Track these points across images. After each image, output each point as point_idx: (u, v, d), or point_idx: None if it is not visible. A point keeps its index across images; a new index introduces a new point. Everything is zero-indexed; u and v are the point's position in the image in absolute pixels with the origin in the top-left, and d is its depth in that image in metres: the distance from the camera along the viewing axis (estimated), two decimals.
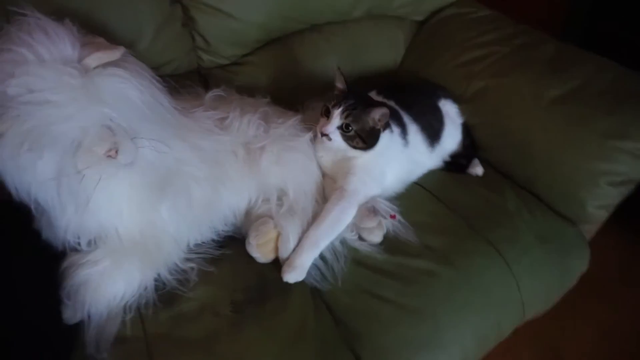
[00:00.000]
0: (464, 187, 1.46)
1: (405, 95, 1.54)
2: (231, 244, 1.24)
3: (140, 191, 1.07)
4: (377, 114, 1.25)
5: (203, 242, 1.22)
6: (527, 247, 1.31)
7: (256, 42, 1.59)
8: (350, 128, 1.24)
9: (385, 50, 1.82)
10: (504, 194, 1.44)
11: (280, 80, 1.63)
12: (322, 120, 1.27)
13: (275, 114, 1.34)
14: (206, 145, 1.19)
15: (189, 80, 1.52)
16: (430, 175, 1.47)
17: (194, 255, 1.18)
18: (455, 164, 1.57)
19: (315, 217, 1.24)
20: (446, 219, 1.35)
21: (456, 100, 1.58)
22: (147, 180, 1.07)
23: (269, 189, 1.25)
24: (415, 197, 1.42)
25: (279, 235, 1.20)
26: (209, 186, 1.18)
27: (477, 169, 1.54)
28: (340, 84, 1.32)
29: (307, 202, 1.26)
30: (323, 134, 1.24)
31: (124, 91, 0.97)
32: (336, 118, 1.24)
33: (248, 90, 1.45)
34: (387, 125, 1.31)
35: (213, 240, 1.24)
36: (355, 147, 1.26)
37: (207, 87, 1.49)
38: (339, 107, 1.24)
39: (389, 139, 1.33)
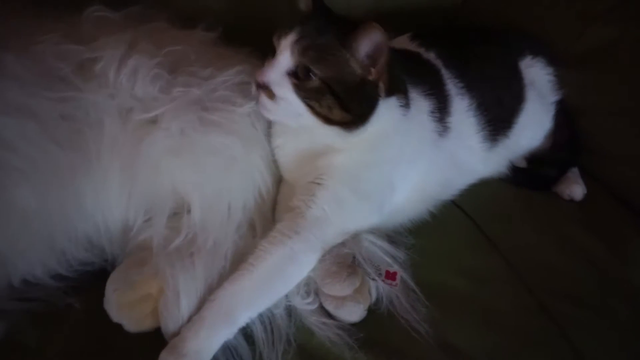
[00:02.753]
0: (545, 224, 0.81)
1: (459, 44, 0.88)
2: (92, 287, 0.69)
3: None
4: (366, 41, 0.64)
5: (37, 279, 0.68)
6: None
7: None
8: (311, 74, 0.64)
9: None
10: (626, 250, 0.76)
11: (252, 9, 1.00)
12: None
13: (205, 59, 0.75)
14: (43, 108, 0.64)
15: None
16: (482, 189, 0.86)
17: (11, 306, 0.65)
18: (535, 174, 0.90)
19: (237, 263, 0.66)
20: (500, 290, 0.71)
21: (554, 60, 0.93)
22: None
23: (156, 199, 0.67)
24: (447, 232, 0.79)
25: (161, 292, 0.63)
26: (42, 184, 0.63)
27: (575, 189, 0.87)
28: (303, 3, 0.70)
29: (226, 232, 0.68)
30: (260, 86, 0.65)
31: None
32: (284, 54, 0.65)
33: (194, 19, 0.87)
34: (395, 87, 0.69)
35: (58, 277, 0.69)
36: (326, 119, 0.67)
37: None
38: (289, 35, 0.65)
39: (403, 119, 0.72)
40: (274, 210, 0.75)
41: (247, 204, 0.71)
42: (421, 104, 0.74)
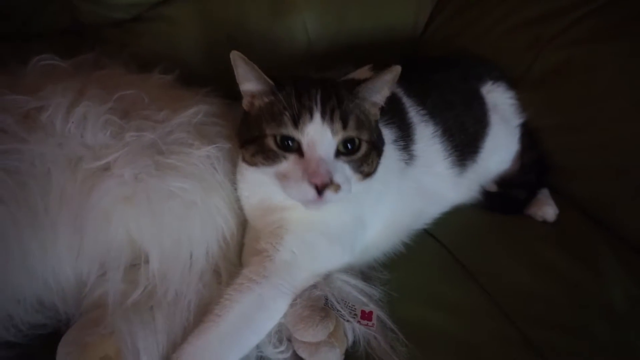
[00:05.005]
0: (520, 248, 0.79)
1: (420, 73, 0.88)
2: (45, 352, 0.62)
3: None
4: (386, 79, 0.63)
5: None
6: None
7: None
8: (357, 142, 0.61)
9: (398, 7, 1.16)
10: (601, 268, 0.75)
11: (213, 49, 1.00)
12: (282, 161, 0.61)
13: (160, 102, 0.72)
14: None
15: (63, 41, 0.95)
16: (454, 217, 0.85)
17: None
18: (506, 197, 0.90)
19: (202, 314, 0.61)
20: (480, 322, 0.67)
21: (513, 84, 0.94)
22: None
23: (111, 251, 0.63)
24: (422, 264, 0.76)
25: (118, 352, 0.58)
26: None
27: (547, 210, 0.86)
28: (253, 81, 0.63)
29: (188, 281, 0.64)
30: (323, 186, 0.57)
31: None
32: (325, 138, 0.59)
33: (152, 64, 0.85)
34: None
35: (6, 345, 0.63)
36: (368, 175, 0.64)
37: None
38: (315, 115, 0.59)
39: None
40: (239, 254, 0.71)
41: (211, 250, 0.67)
42: (384, 134, 0.73)
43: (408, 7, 1.15)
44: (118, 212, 0.62)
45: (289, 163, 0.60)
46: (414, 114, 0.80)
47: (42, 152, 0.63)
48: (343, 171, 0.60)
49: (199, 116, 0.72)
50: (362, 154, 0.62)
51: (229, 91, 0.87)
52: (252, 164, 0.63)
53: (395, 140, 0.74)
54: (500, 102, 0.92)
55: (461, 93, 0.89)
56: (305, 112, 0.59)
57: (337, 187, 0.58)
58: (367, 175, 0.63)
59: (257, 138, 0.62)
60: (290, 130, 0.59)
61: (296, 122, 0.59)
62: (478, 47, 1.02)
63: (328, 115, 0.59)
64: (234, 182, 0.72)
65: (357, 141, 0.61)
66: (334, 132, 0.59)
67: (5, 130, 0.62)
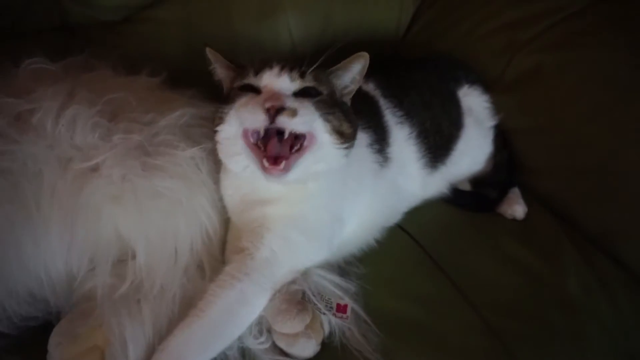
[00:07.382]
0: (488, 243, 0.84)
1: (398, 75, 0.92)
2: (36, 343, 0.65)
3: None
4: (355, 67, 0.71)
5: None
6: None
7: None
8: (320, 91, 0.66)
9: (382, 8, 1.19)
10: (561, 261, 0.80)
11: (199, 50, 1.01)
12: (241, 104, 0.65)
13: (147, 104, 0.75)
14: None
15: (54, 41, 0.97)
16: (428, 213, 0.89)
17: None
18: (478, 196, 0.94)
19: (187, 306, 0.65)
20: (447, 312, 0.72)
21: (488, 87, 0.98)
22: None
23: (100, 247, 0.66)
24: (395, 259, 0.80)
25: (107, 342, 0.61)
26: None
27: (516, 209, 0.90)
28: (223, 69, 0.73)
29: (173, 275, 0.67)
30: (277, 110, 0.60)
31: None
32: (282, 80, 0.65)
33: (140, 64, 0.88)
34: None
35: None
36: (340, 134, 0.66)
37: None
38: (274, 67, 0.66)
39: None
40: (222, 250, 0.75)
41: (195, 246, 0.70)
42: (359, 137, 0.76)
43: (391, 10, 1.18)
44: (106, 211, 0.66)
45: (247, 97, 0.65)
46: (390, 117, 0.83)
47: (33, 153, 0.66)
48: (304, 105, 0.63)
49: (185, 118, 0.75)
50: (323, 98, 0.66)
51: (213, 91, 0.91)
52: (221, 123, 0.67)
53: (371, 144, 0.77)
54: (475, 105, 0.96)
55: (439, 94, 0.91)
56: (266, 67, 0.66)
57: (293, 112, 0.61)
58: (338, 133, 0.65)
59: (227, 99, 0.68)
60: (250, 79, 0.66)
61: (257, 73, 0.66)
62: (457, 50, 1.06)
63: (287, 68, 0.65)
64: (217, 182, 0.76)
65: (317, 90, 0.66)
66: (292, 79, 0.65)
67: None
